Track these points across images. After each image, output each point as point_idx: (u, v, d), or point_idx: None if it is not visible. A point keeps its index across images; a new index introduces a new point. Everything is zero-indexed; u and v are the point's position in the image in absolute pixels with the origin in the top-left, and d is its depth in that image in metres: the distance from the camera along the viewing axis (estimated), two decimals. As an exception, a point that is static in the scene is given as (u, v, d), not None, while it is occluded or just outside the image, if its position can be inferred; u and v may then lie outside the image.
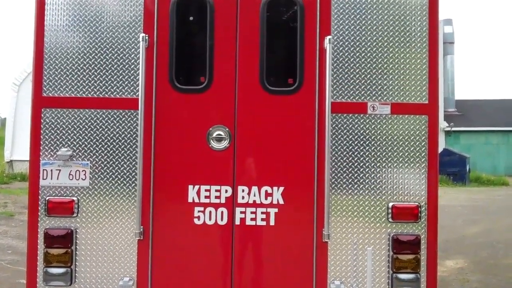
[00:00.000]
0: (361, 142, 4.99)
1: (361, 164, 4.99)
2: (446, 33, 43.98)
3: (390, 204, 4.99)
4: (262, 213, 5.00)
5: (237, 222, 5.01)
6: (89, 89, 5.00)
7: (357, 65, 5.00)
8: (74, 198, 5.00)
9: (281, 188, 5.00)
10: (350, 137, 4.99)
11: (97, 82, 5.00)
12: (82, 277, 5.00)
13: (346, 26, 5.00)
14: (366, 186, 5.00)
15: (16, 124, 30.06)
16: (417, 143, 5.00)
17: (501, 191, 30.92)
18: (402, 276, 4.94)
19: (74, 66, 5.01)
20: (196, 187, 5.01)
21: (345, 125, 4.99)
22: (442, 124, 41.65)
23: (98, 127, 5.00)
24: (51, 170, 5.00)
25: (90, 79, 5.00)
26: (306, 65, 5.02)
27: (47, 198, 4.99)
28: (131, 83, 4.98)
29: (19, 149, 29.44)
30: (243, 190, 5.00)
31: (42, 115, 5.01)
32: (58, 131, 5.01)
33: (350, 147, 4.99)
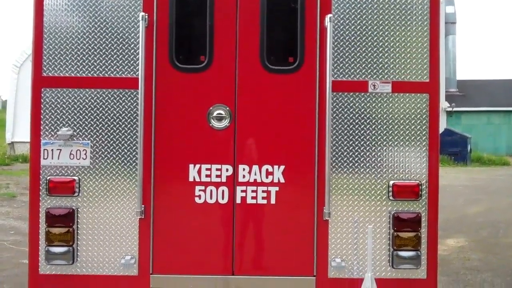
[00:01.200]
0: (362, 120, 4.99)
1: (362, 143, 4.99)
2: (448, 13, 43.75)
3: (391, 182, 5.00)
4: (263, 191, 5.01)
5: (238, 200, 5.02)
6: (89, 69, 4.99)
7: (358, 43, 4.98)
8: (75, 178, 5.01)
9: (282, 167, 5.01)
10: (351, 115, 4.99)
11: (97, 62, 4.99)
12: (84, 256, 5.02)
13: (347, 5, 4.98)
14: (367, 165, 5.01)
15: (17, 106, 30.03)
16: (418, 121, 5.00)
17: (502, 171, 30.96)
18: (403, 253, 4.96)
19: (74, 45, 5.00)
20: (197, 166, 5.01)
21: (345, 104, 4.99)
22: (444, 104, 41.58)
23: (99, 107, 5.00)
24: (52, 150, 5.01)
25: (90, 58, 4.99)
26: (306, 43, 5.01)
27: (48, 178, 5.00)
28: (131, 63, 4.97)
29: (20, 131, 29.42)
30: (243, 169, 5.01)
31: (42, 95, 5.00)
32: (58, 111, 5.00)
33: (351, 126, 4.98)
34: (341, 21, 4.97)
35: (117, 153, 5.00)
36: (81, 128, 5.01)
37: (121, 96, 4.99)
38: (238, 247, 5.04)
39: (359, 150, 5.00)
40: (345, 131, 4.99)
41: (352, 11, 4.98)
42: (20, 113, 29.25)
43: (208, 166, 5.01)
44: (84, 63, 4.99)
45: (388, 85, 4.99)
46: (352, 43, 4.98)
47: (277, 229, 5.03)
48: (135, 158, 4.97)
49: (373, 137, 5.00)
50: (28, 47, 27.33)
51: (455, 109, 42.96)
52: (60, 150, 5.01)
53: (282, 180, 5.01)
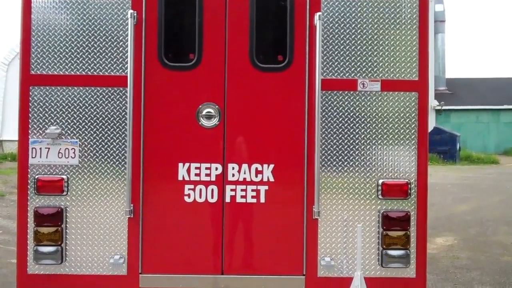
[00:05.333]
0: (351, 119, 4.99)
1: (351, 141, 4.99)
2: (437, 11, 43.93)
3: (380, 181, 5.01)
4: (253, 190, 5.00)
5: (228, 199, 5.01)
6: (78, 67, 4.96)
7: (347, 41, 4.98)
8: (64, 177, 4.98)
9: (271, 166, 5.00)
10: (340, 114, 4.99)
11: (86, 60, 4.96)
12: (72, 255, 5.00)
13: (336, 3, 4.98)
14: (356, 163, 5.01)
15: (6, 104, 29.90)
16: (407, 120, 5.00)
17: (491, 169, 31.08)
18: (392, 252, 4.97)
19: (62, 43, 4.97)
20: (186, 165, 5.00)
21: (335, 102, 4.99)
22: (433, 102, 41.73)
23: (87, 105, 4.97)
24: (40, 149, 4.97)
25: (78, 56, 4.96)
26: (296, 42, 5.00)
27: (36, 177, 4.97)
28: (120, 61, 4.95)
29: (9, 129, 29.29)
30: (233, 168, 5.00)
31: (30, 93, 4.97)
32: (47, 109, 4.97)
33: (340, 124, 4.99)
34: (330, 20, 4.97)
35: (105, 151, 4.98)
36: (69, 127, 4.98)
37: (109, 94, 4.97)
38: (227, 246, 5.03)
39: (348, 148, 5.00)
40: (335, 130, 4.99)
41: (341, 10, 4.98)
42: (8, 111, 29.14)
43: (198, 164, 5.00)
44: (72, 61, 4.96)
45: (377, 83, 4.99)
46: (341, 42, 4.98)
47: (266, 228, 5.03)
48: (124, 156, 4.94)
49: (362, 136, 5.00)
50: (16, 45, 27.17)
51: (444, 107, 43.12)
52: (49, 148, 4.98)
53: (271, 179, 5.01)
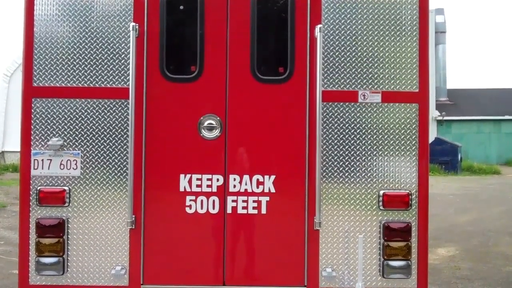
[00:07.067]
0: (352, 130, 5.01)
1: (352, 152, 5.01)
2: (438, 22, 44.03)
3: (381, 192, 5.02)
4: (254, 201, 5.01)
5: (229, 210, 5.02)
6: (80, 79, 4.99)
7: (348, 53, 5.01)
8: (66, 188, 5.00)
9: (273, 177, 5.01)
10: (341, 125, 5.01)
11: (88, 72, 4.99)
12: (74, 267, 5.01)
13: (336, 15, 5.01)
14: (357, 174, 5.02)
15: (8, 115, 29.93)
16: (408, 131, 5.02)
17: (492, 179, 31.03)
18: (393, 263, 4.97)
19: (64, 56, 5.00)
20: (188, 176, 5.01)
21: (336, 114, 5.01)
22: (434, 113, 41.77)
23: (89, 117, 4.99)
24: (42, 160, 5.00)
25: (80, 68, 4.99)
26: (296, 54, 5.03)
27: (38, 188, 4.98)
28: (122, 73, 4.98)
29: (11, 140, 29.31)
30: (234, 179, 5.01)
31: (33, 105, 5.00)
32: (49, 121, 5.00)
33: (341, 136, 5.00)
34: (331, 32, 5.00)
35: (107, 163, 5.00)
36: (71, 138, 5.00)
37: (111, 106, 4.99)
38: (229, 257, 5.03)
39: (349, 160, 5.01)
40: (335, 141, 5.01)
41: (342, 22, 5.01)
42: (10, 122, 29.15)
43: (199, 176, 5.01)
44: (74, 73, 4.99)
45: (378, 95, 5.01)
46: (342, 53, 5.01)
47: (268, 239, 5.03)
48: (125, 168, 4.96)
49: (363, 147, 5.02)
50: (18, 56, 27.23)
51: (445, 118, 43.14)
52: (51, 160, 5.00)
53: (272, 190, 5.02)
